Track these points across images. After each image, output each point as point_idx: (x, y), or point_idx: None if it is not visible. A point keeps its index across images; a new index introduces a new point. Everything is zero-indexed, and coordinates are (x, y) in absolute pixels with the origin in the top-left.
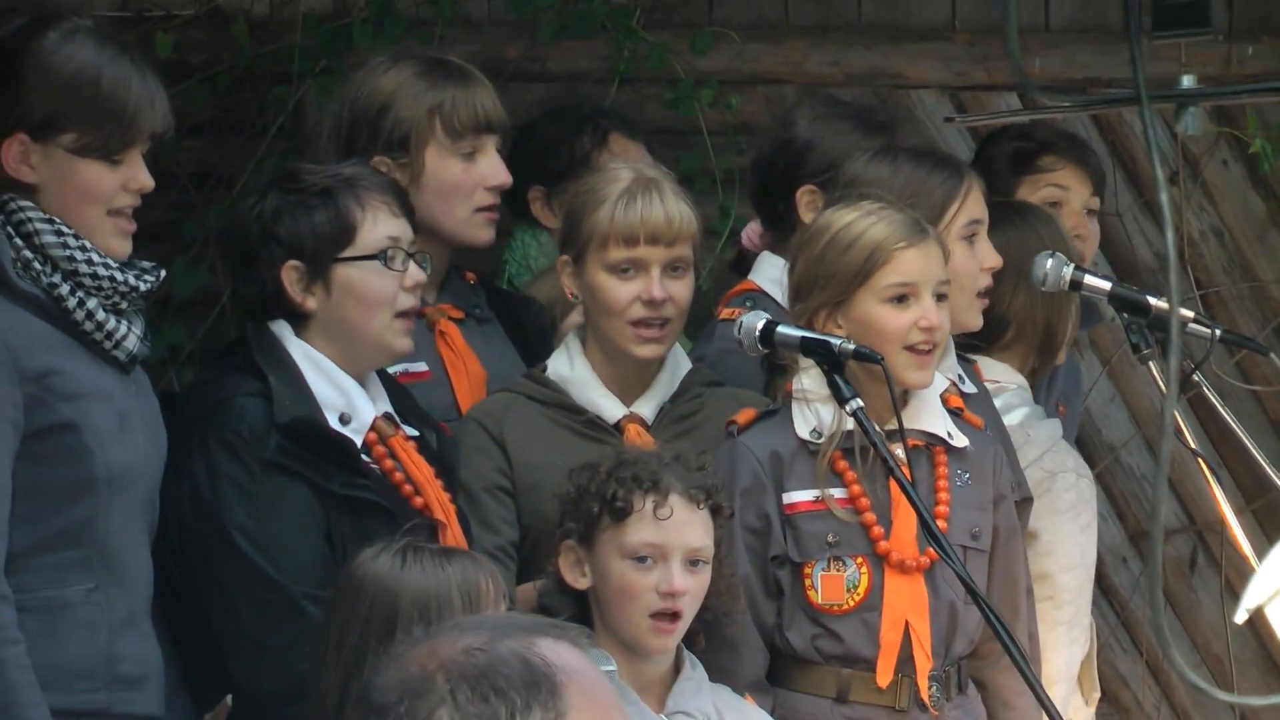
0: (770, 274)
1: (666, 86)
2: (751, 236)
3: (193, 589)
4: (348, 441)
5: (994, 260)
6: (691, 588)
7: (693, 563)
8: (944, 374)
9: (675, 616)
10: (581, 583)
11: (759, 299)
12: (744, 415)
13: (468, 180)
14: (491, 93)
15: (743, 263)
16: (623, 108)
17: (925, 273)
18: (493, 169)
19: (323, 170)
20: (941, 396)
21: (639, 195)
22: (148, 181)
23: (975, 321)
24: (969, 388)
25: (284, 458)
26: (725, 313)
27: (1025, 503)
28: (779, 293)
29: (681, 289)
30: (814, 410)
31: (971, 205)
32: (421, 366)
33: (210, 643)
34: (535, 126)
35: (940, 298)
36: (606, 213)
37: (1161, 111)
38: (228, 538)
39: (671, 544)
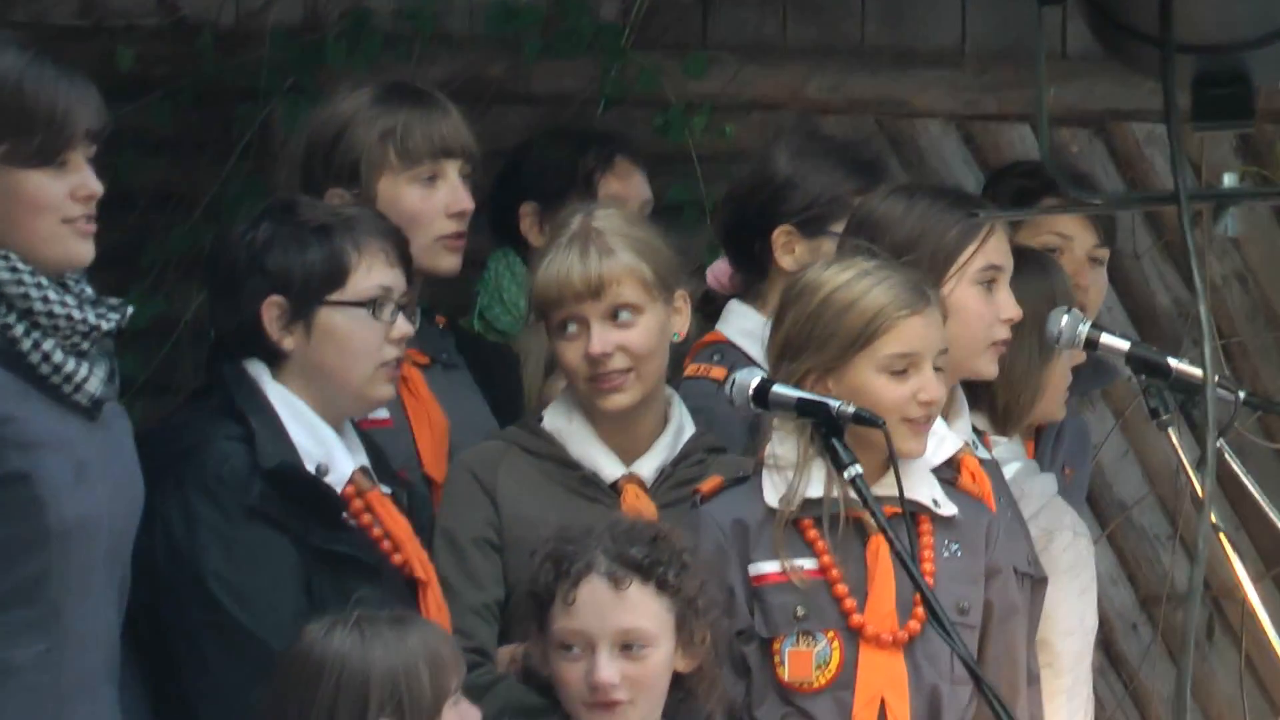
0: (740, 324)
1: (655, 110)
2: (719, 277)
3: (163, 643)
4: (332, 493)
5: (1013, 312)
6: (630, 674)
7: (628, 647)
8: (959, 435)
9: (614, 705)
10: (545, 670)
11: (727, 351)
12: (709, 484)
13: (427, 208)
14: (455, 117)
15: (710, 303)
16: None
17: (927, 342)
18: (454, 195)
19: (322, 206)
20: (956, 458)
21: (560, 253)
22: (96, 187)
23: (990, 369)
24: (981, 453)
25: (267, 505)
26: (690, 369)
27: (1041, 583)
28: (750, 345)
29: (632, 336)
30: (785, 478)
31: (991, 250)
32: (383, 414)
33: (183, 707)
34: (532, 145)
35: (938, 367)
36: (538, 276)
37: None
38: (204, 587)
39: (593, 631)
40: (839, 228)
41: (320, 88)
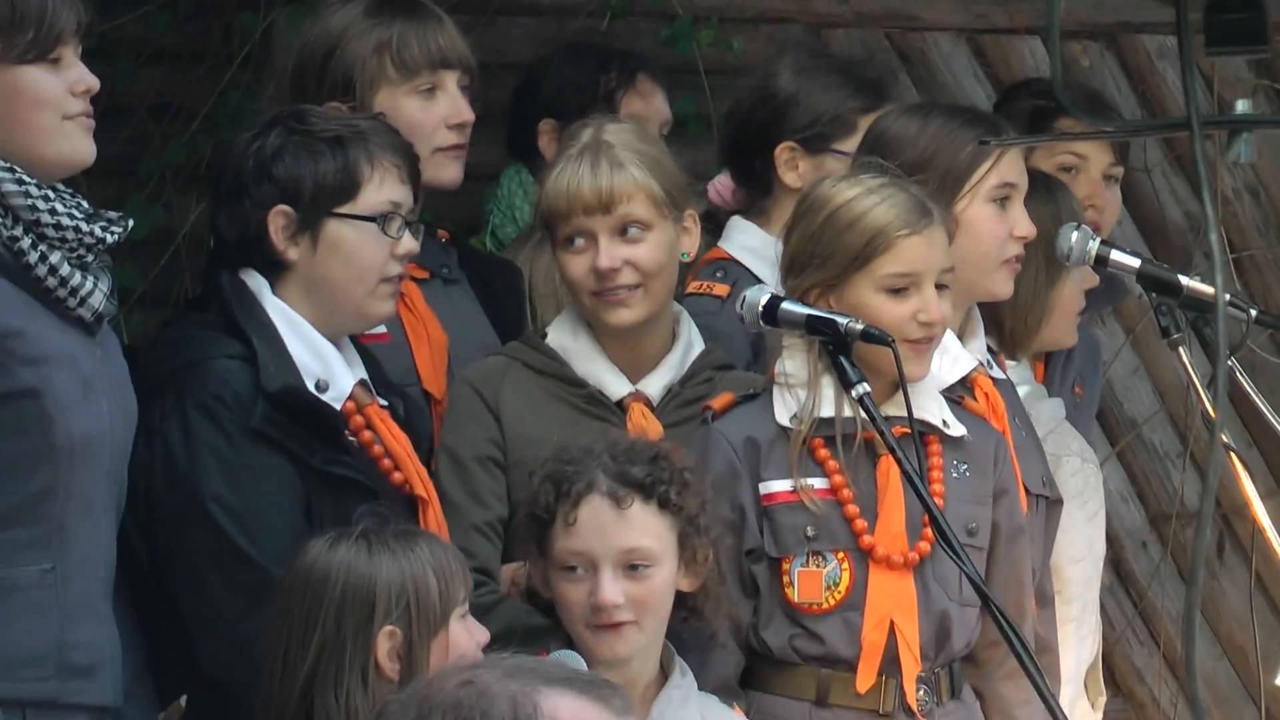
0: (743, 241)
1: (662, 22)
2: (721, 192)
3: (159, 565)
4: (334, 414)
5: (1027, 229)
6: (633, 594)
7: (631, 567)
8: (974, 355)
9: (618, 625)
10: (546, 592)
11: (730, 268)
12: (721, 400)
13: (427, 120)
14: (450, 28)
15: (712, 219)
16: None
17: (927, 262)
18: (454, 106)
19: (335, 117)
20: (969, 378)
21: (570, 165)
22: (93, 80)
23: (1004, 288)
24: (996, 373)
25: (269, 427)
26: (693, 285)
27: (1056, 504)
28: (753, 261)
29: (640, 251)
30: (796, 396)
31: (1005, 167)
32: (381, 329)
33: (177, 627)
34: (552, 60)
35: (941, 286)
36: (546, 188)
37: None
38: (203, 510)
39: (596, 550)
40: (842, 145)
41: None
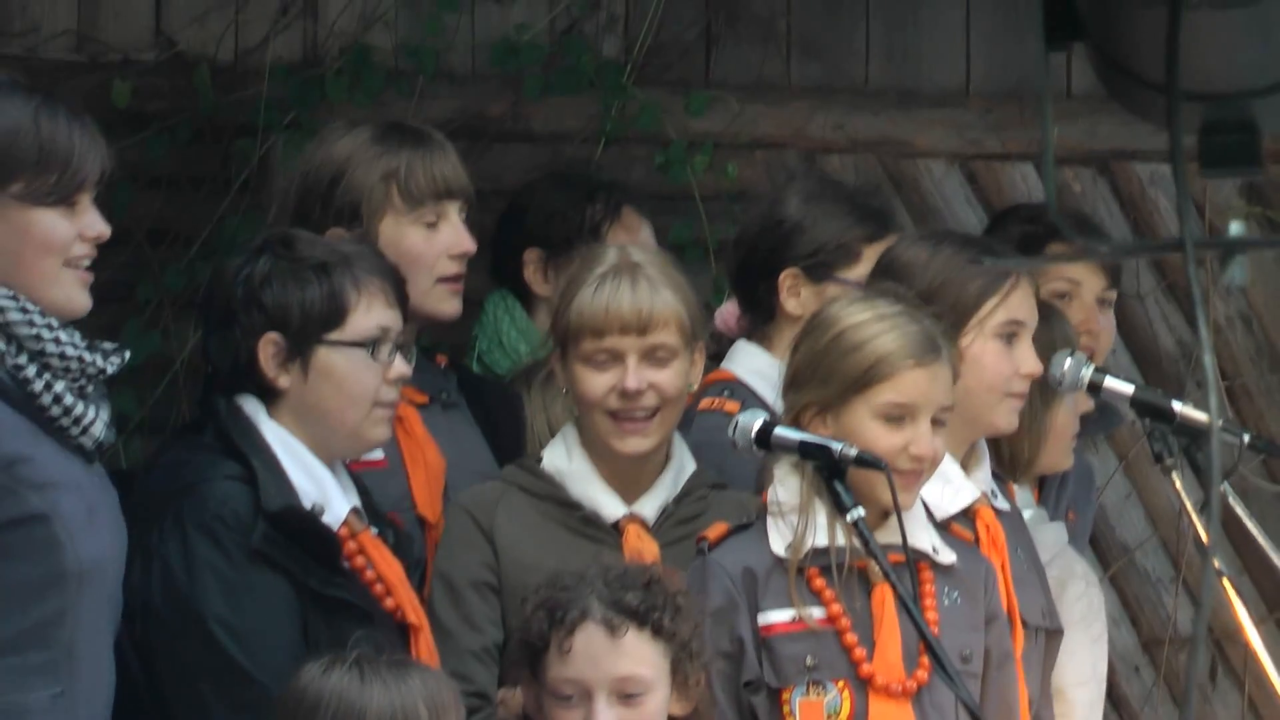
0: (748, 363)
1: (656, 148)
2: (727, 319)
3: (156, 685)
4: (333, 537)
5: (1033, 367)
6: None
7: (625, 694)
8: (976, 485)
9: None
10: (540, 717)
11: (736, 388)
12: (715, 530)
13: (430, 250)
14: (453, 157)
15: (716, 345)
16: (608, 170)
17: (927, 397)
18: (457, 237)
19: (321, 242)
20: (972, 509)
21: (608, 283)
22: (104, 229)
23: (1007, 423)
24: (1001, 504)
25: (269, 548)
26: (703, 403)
27: (1056, 635)
28: (759, 383)
29: (665, 377)
30: (789, 524)
31: (1015, 304)
32: (378, 454)
33: None
34: (537, 189)
35: (938, 422)
36: (578, 304)
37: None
38: (204, 629)
39: (590, 679)
40: (845, 274)
41: (320, 124)
